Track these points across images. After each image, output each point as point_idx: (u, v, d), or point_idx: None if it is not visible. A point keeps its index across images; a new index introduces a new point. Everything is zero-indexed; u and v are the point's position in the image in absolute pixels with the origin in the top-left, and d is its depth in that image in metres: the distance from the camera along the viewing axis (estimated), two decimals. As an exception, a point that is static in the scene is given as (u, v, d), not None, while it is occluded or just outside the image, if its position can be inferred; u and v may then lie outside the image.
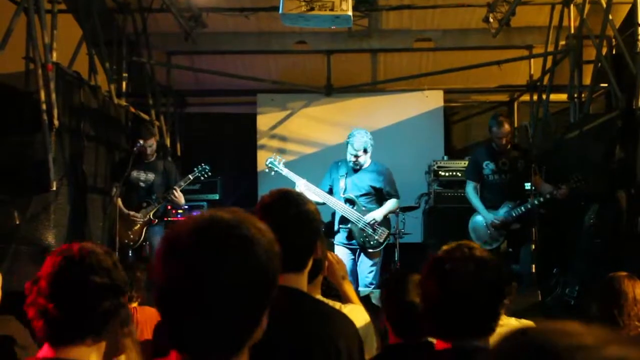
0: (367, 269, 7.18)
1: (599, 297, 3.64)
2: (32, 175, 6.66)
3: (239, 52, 10.31)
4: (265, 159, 7.63)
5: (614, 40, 7.98)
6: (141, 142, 7.24)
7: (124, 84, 8.98)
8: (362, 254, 7.21)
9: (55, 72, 6.82)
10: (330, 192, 7.26)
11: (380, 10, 9.37)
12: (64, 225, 6.88)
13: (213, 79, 10.36)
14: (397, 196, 7.28)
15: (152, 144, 7.49)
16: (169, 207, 7.75)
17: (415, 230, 8.71)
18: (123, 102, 8.75)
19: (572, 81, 8.47)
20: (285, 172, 7.29)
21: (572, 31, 8.49)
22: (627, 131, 6.76)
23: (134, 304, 4.66)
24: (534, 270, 7.05)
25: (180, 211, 8.07)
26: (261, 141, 10.43)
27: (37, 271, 2.06)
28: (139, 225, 7.36)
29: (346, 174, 7.20)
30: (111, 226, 7.41)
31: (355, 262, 7.24)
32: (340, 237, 7.25)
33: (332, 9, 6.83)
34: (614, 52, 8.19)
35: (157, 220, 7.48)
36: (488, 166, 7.24)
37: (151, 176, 7.50)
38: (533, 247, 7.10)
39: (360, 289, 7.02)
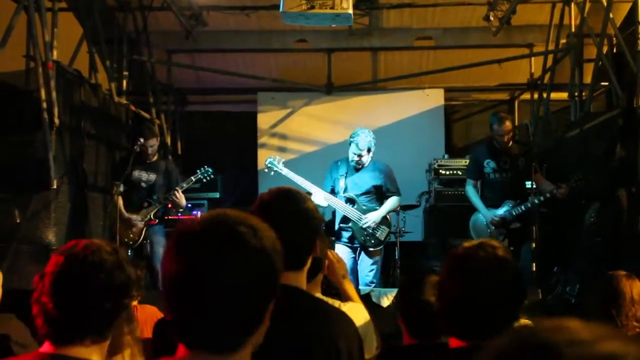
0: (367, 267, 7.18)
1: (597, 297, 3.63)
2: (32, 173, 6.66)
3: (240, 50, 10.31)
4: (265, 158, 7.62)
5: (614, 38, 7.98)
6: (141, 140, 7.23)
7: (124, 82, 8.97)
8: (362, 252, 7.21)
9: (55, 71, 6.83)
10: (332, 192, 7.26)
11: (380, 9, 9.37)
12: (65, 223, 6.88)
13: (214, 77, 10.37)
14: (398, 193, 7.27)
15: (153, 143, 7.48)
16: (169, 206, 7.75)
17: (415, 228, 8.71)
18: (123, 101, 8.75)
19: (572, 80, 8.46)
20: (285, 172, 7.29)
21: (573, 29, 8.48)
22: (628, 130, 6.76)
23: (134, 303, 4.66)
24: (534, 269, 7.05)
25: (180, 210, 8.08)
26: (262, 139, 10.43)
27: (37, 270, 2.06)
28: (139, 224, 7.36)
29: (346, 173, 7.19)
30: (111, 225, 7.41)
31: (355, 261, 7.24)
32: (341, 236, 7.24)
33: (332, 7, 6.83)
34: (614, 50, 8.19)
35: (157, 220, 7.48)
36: (489, 165, 7.24)
37: (153, 176, 7.48)
38: (533, 245, 7.09)
39: (360, 287, 7.02)
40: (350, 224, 7.12)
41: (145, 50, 9.42)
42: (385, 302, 6.70)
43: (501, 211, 7.10)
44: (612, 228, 6.87)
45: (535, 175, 7.14)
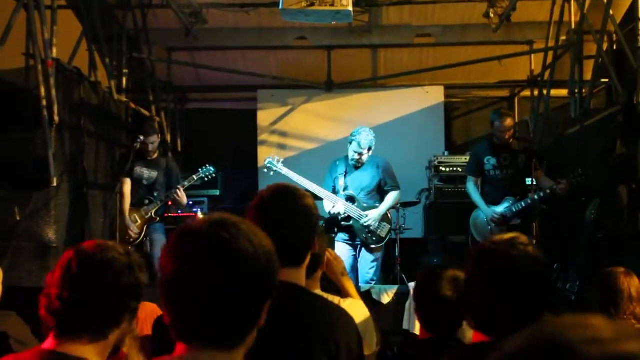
0: (368, 265, 7.19)
1: (596, 294, 3.62)
2: (32, 171, 6.66)
3: (240, 48, 10.30)
4: (265, 155, 7.64)
5: (614, 35, 7.97)
6: (141, 137, 7.22)
7: (124, 80, 8.96)
8: (363, 249, 7.22)
9: (55, 68, 6.82)
10: (333, 191, 7.26)
11: (380, 6, 9.36)
12: (65, 221, 6.89)
13: (213, 75, 10.36)
14: (397, 187, 7.27)
15: (154, 140, 7.47)
16: (170, 203, 7.75)
17: (415, 225, 8.71)
18: (123, 98, 8.74)
19: (572, 76, 8.45)
20: (284, 171, 7.28)
21: (573, 26, 8.47)
22: (628, 126, 6.75)
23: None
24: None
25: (181, 208, 8.08)
26: (262, 137, 10.42)
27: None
28: (140, 222, 7.36)
29: (345, 171, 7.20)
30: (112, 222, 7.41)
31: (356, 259, 7.24)
32: (341, 234, 7.25)
33: (332, 5, 6.83)
34: (614, 47, 8.18)
35: (158, 218, 7.48)
36: (489, 161, 7.23)
37: (154, 173, 7.49)
38: (534, 242, 7.08)
39: (360, 284, 7.03)
40: (351, 222, 7.12)
41: (145, 48, 9.42)
42: (386, 299, 6.71)
43: (501, 208, 7.10)
44: (612, 225, 6.87)
45: (536, 172, 7.15)
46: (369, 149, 7.06)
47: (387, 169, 7.27)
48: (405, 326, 6.56)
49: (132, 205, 7.35)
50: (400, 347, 6.59)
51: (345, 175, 7.19)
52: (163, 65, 10.21)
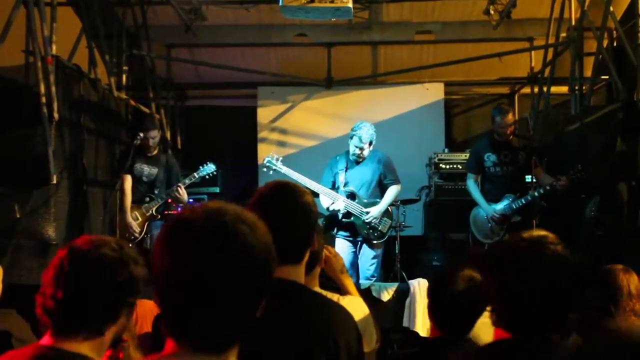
0: (368, 261, 7.20)
1: (595, 292, 3.62)
2: (32, 168, 6.65)
3: (239, 44, 10.29)
4: (265, 152, 7.66)
5: (615, 32, 7.96)
6: (141, 135, 7.22)
7: (124, 77, 8.94)
8: (363, 246, 7.23)
9: (55, 65, 6.81)
10: (332, 186, 7.26)
11: (380, 3, 9.35)
12: (64, 218, 6.88)
13: (213, 72, 10.35)
14: (397, 182, 7.27)
15: (155, 135, 7.46)
16: (169, 200, 7.74)
17: (415, 223, 8.70)
18: (123, 95, 8.73)
19: (572, 73, 8.44)
20: (284, 170, 7.28)
21: (573, 23, 8.46)
22: (628, 123, 6.75)
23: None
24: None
25: (181, 205, 8.07)
26: (261, 134, 10.42)
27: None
28: (140, 219, 7.36)
29: (346, 167, 7.20)
30: (111, 219, 7.41)
31: (356, 255, 7.25)
32: (341, 231, 7.25)
33: (332, 1, 6.82)
34: (615, 44, 8.16)
35: (159, 216, 7.48)
36: (489, 158, 7.23)
37: (154, 170, 7.47)
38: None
39: (361, 281, 7.04)
40: (352, 219, 7.13)
41: (144, 45, 9.40)
42: (386, 296, 6.71)
43: (501, 205, 7.09)
44: (612, 222, 6.87)
45: (536, 169, 7.15)
46: (370, 143, 7.06)
47: (387, 163, 7.27)
48: (405, 323, 6.57)
49: (132, 202, 7.34)
50: (400, 345, 6.61)
51: (346, 171, 7.19)
52: (163, 62, 10.20)
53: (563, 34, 8.81)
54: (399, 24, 9.94)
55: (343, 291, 3.34)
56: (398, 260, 7.56)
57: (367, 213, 7.07)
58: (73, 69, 7.46)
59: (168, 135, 9.90)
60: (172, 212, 8.28)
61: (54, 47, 6.93)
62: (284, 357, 2.16)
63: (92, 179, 7.66)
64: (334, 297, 2.97)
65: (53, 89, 6.68)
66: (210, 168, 7.54)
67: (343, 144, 7.49)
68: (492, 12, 8.77)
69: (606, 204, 7.01)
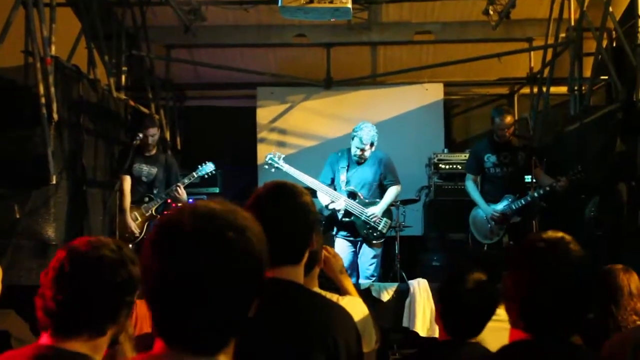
0: (368, 261, 7.20)
1: (596, 292, 3.62)
2: (31, 169, 6.64)
3: (239, 45, 10.29)
4: (265, 153, 7.64)
5: (614, 32, 7.97)
6: (140, 135, 7.22)
7: (123, 77, 8.94)
8: (363, 245, 7.23)
9: (54, 66, 6.80)
10: (332, 183, 7.26)
11: (380, 3, 9.35)
12: (64, 219, 6.87)
13: (212, 73, 10.35)
14: (397, 182, 7.28)
15: (154, 133, 7.45)
16: (169, 201, 7.73)
17: (415, 223, 8.70)
18: (122, 96, 8.73)
19: (572, 74, 8.44)
20: (285, 168, 7.28)
21: (573, 23, 8.46)
22: (628, 123, 6.75)
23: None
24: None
25: (180, 204, 8.06)
26: (261, 134, 10.42)
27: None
28: (140, 219, 7.36)
29: (347, 166, 7.20)
30: (111, 220, 7.40)
31: (356, 255, 7.25)
32: (341, 230, 7.25)
33: (331, 2, 6.83)
34: (614, 44, 8.17)
35: (159, 216, 7.47)
36: (489, 159, 7.23)
37: (154, 170, 7.47)
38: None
39: (361, 281, 7.04)
40: (352, 218, 7.13)
41: (143, 46, 9.39)
42: (386, 296, 6.71)
43: (501, 206, 7.09)
44: (612, 222, 6.87)
45: (535, 170, 7.15)
46: (372, 144, 7.06)
47: (388, 164, 7.27)
48: (405, 324, 6.57)
49: (132, 202, 7.33)
50: (400, 345, 6.61)
51: (348, 170, 7.19)
52: (162, 62, 10.19)
53: (562, 35, 8.82)
54: (398, 24, 9.95)
55: (342, 291, 3.33)
56: (398, 260, 7.56)
57: (368, 212, 7.07)
58: (72, 69, 7.45)
59: (167, 135, 9.89)
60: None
61: (53, 48, 6.93)
62: (284, 357, 2.16)
63: (91, 179, 7.65)
64: (333, 297, 2.97)
65: (52, 89, 6.67)
66: (208, 167, 7.54)
67: (342, 145, 7.49)
68: (491, 12, 8.77)
69: (606, 204, 7.02)
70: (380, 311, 6.54)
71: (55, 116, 6.70)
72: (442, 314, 2.90)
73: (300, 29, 9.90)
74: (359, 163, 7.19)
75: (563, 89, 8.96)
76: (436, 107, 10.44)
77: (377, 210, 7.10)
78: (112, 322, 2.05)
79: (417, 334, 6.48)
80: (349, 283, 3.40)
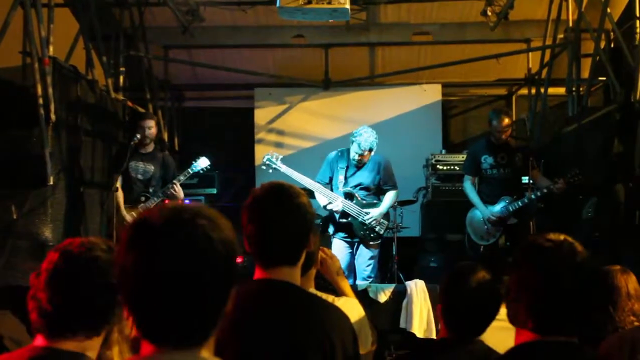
0: (365, 262, 7.19)
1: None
2: (29, 169, 6.65)
3: (237, 46, 10.28)
4: (263, 154, 7.62)
5: (612, 33, 7.96)
6: (138, 136, 7.20)
7: (121, 78, 8.93)
8: (360, 246, 7.22)
9: (52, 66, 6.80)
10: (330, 181, 7.26)
11: (378, 4, 9.36)
12: (61, 220, 6.87)
13: (210, 73, 10.34)
14: (395, 187, 7.28)
15: (151, 125, 7.38)
16: (167, 202, 7.70)
17: (413, 224, 8.69)
18: (120, 97, 8.72)
19: (570, 74, 8.44)
20: (283, 169, 7.26)
21: (571, 24, 8.47)
22: (625, 124, 6.76)
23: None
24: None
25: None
26: (259, 135, 10.42)
27: (34, 266, 2.08)
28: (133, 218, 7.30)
29: (347, 167, 7.19)
30: (108, 220, 7.39)
31: (353, 256, 7.24)
32: (338, 232, 7.24)
33: (329, 2, 6.82)
34: (612, 45, 8.17)
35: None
36: (486, 160, 7.23)
37: (150, 167, 7.39)
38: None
39: (358, 282, 7.03)
40: (349, 219, 7.12)
41: (141, 46, 9.39)
42: (383, 297, 6.70)
43: (498, 207, 7.09)
44: (609, 223, 6.87)
45: (533, 171, 7.14)
46: (370, 150, 7.04)
47: (386, 168, 7.26)
48: (402, 325, 6.57)
49: (128, 202, 7.27)
50: (397, 346, 6.60)
51: (347, 171, 7.19)
52: (160, 63, 10.19)
53: (560, 36, 8.82)
54: (397, 25, 9.95)
55: (339, 292, 3.33)
56: (395, 262, 7.56)
57: (366, 214, 7.06)
58: (70, 70, 7.45)
59: (165, 136, 9.88)
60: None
61: (51, 48, 6.92)
62: (280, 358, 2.16)
63: (89, 180, 7.65)
64: (329, 298, 2.97)
65: (50, 90, 6.67)
66: (203, 162, 7.39)
67: (340, 145, 7.48)
68: (489, 13, 8.77)
69: (603, 206, 7.02)
70: (377, 312, 6.54)
71: (53, 117, 6.70)
72: (446, 312, 2.87)
73: (298, 30, 9.90)
74: (357, 167, 7.18)
75: (561, 90, 8.96)
76: (434, 107, 10.44)
77: (375, 213, 7.09)
78: (106, 321, 2.06)
79: (414, 335, 6.48)
80: (345, 284, 3.39)
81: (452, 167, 9.07)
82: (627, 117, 6.74)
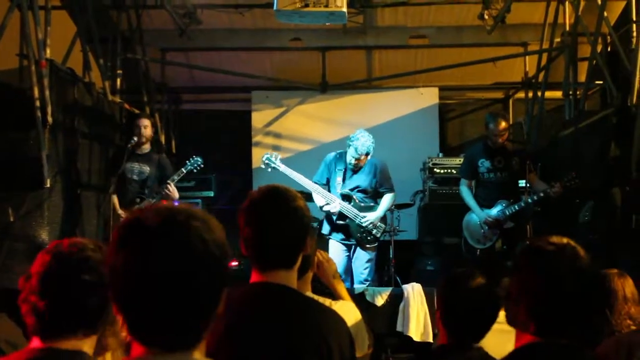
0: (362, 265, 7.19)
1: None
2: (26, 172, 6.65)
3: (234, 49, 10.28)
4: (260, 156, 7.61)
5: (608, 37, 7.98)
6: (135, 139, 7.19)
7: (118, 80, 8.94)
8: (357, 249, 7.21)
9: (49, 69, 6.80)
10: (327, 183, 7.26)
11: (375, 7, 9.36)
12: (58, 222, 6.86)
13: (208, 76, 10.35)
14: (392, 190, 7.28)
15: (146, 124, 7.35)
16: (163, 202, 7.66)
17: (410, 227, 8.70)
18: (117, 99, 8.72)
19: (567, 78, 8.46)
20: (282, 168, 7.27)
21: (567, 28, 8.49)
22: (622, 128, 6.76)
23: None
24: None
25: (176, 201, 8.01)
26: (256, 138, 10.42)
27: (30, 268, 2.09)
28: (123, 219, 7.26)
29: (345, 169, 7.20)
30: (105, 223, 7.38)
31: (350, 259, 7.24)
32: (335, 234, 7.24)
33: (326, 6, 6.82)
34: (608, 49, 8.19)
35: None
36: (483, 164, 7.22)
37: (145, 168, 7.36)
38: (527, 243, 7.07)
39: (355, 285, 7.03)
40: (346, 221, 7.12)
41: (139, 49, 9.39)
42: (380, 301, 6.70)
43: (494, 211, 7.09)
44: (606, 227, 6.87)
45: (529, 175, 7.15)
46: (367, 154, 7.04)
47: (383, 171, 7.26)
48: (398, 328, 6.57)
49: (124, 204, 7.24)
50: (394, 350, 6.60)
51: (344, 173, 7.19)
52: (157, 66, 10.19)
53: (557, 39, 8.84)
54: (394, 28, 9.96)
55: (335, 296, 3.33)
56: (392, 265, 7.55)
57: (364, 217, 7.06)
58: (67, 72, 7.45)
59: (162, 139, 9.88)
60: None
61: (48, 51, 6.93)
62: (277, 361, 2.16)
63: (85, 182, 7.64)
64: (326, 301, 2.97)
65: (47, 92, 6.67)
66: (196, 161, 7.37)
67: (338, 149, 7.48)
68: (486, 17, 8.79)
69: (600, 209, 7.02)
70: (374, 315, 6.54)
71: (49, 119, 6.70)
72: (445, 318, 2.86)
73: (295, 33, 9.91)
74: (354, 171, 7.18)
75: (558, 94, 8.98)
76: (431, 111, 10.44)
77: (372, 217, 7.09)
78: (102, 320, 2.08)
79: (411, 338, 6.48)
80: (341, 287, 3.39)
81: (449, 171, 9.07)
82: (623, 121, 6.75)
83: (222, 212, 8.45)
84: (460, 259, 7.41)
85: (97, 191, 7.82)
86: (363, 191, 7.20)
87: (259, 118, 10.48)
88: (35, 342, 2.02)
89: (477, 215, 7.19)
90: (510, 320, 2.25)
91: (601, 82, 7.84)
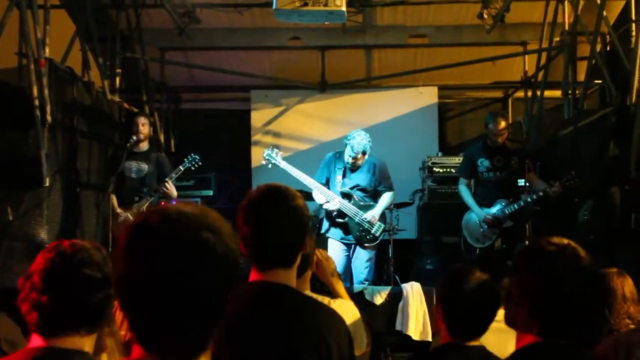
0: (362, 264, 7.19)
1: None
2: (25, 171, 6.64)
3: (233, 48, 10.28)
4: (259, 155, 7.62)
5: (608, 36, 7.98)
6: (134, 138, 7.19)
7: (117, 79, 8.93)
8: (357, 248, 7.22)
9: (48, 68, 6.80)
10: (327, 182, 7.26)
11: (374, 6, 9.36)
12: (57, 221, 6.86)
13: (207, 75, 10.34)
14: (391, 189, 7.29)
15: (144, 122, 7.37)
16: (163, 203, 7.67)
17: (409, 226, 8.69)
18: (116, 98, 8.72)
19: (566, 77, 8.46)
20: (283, 164, 7.28)
21: (567, 28, 8.49)
22: (621, 127, 6.76)
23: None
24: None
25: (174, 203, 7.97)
26: (255, 137, 10.41)
27: (30, 267, 2.09)
28: (132, 219, 7.26)
29: (344, 168, 7.20)
30: (104, 222, 7.37)
31: (349, 258, 7.24)
32: (335, 232, 7.24)
33: (326, 5, 6.82)
34: (608, 48, 8.19)
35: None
36: (482, 163, 7.22)
37: (144, 166, 7.36)
38: (527, 243, 7.08)
39: (355, 285, 7.03)
40: (346, 220, 7.12)
41: (138, 48, 9.39)
42: (379, 300, 6.71)
43: (494, 210, 7.09)
44: (605, 226, 6.87)
45: (529, 174, 7.15)
46: (364, 153, 7.04)
47: (382, 170, 7.27)
48: (397, 327, 6.57)
49: (123, 203, 7.25)
50: (393, 349, 6.60)
51: (344, 172, 7.19)
52: (156, 65, 10.18)
53: (556, 39, 8.84)
54: (393, 27, 9.95)
55: (334, 294, 3.33)
56: (392, 264, 7.56)
57: (363, 215, 7.07)
58: (66, 71, 7.44)
59: (162, 138, 9.88)
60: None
61: (47, 50, 6.93)
62: (276, 360, 2.16)
63: (84, 182, 7.64)
64: (325, 300, 2.97)
65: (46, 91, 6.67)
66: (194, 159, 7.35)
67: (337, 148, 7.48)
68: (485, 16, 8.77)
69: (599, 208, 7.02)
70: (373, 314, 6.54)
71: (49, 118, 6.69)
72: (445, 316, 2.84)
73: (294, 32, 9.90)
74: (352, 170, 7.19)
75: (557, 93, 8.97)
76: (430, 110, 10.44)
77: (370, 216, 7.09)
78: (102, 318, 2.10)
79: (410, 337, 6.48)
80: (340, 286, 3.40)
81: (448, 170, 9.06)
82: (622, 120, 6.75)
83: (221, 211, 8.34)
84: (459, 258, 7.41)
85: (96, 190, 7.81)
86: (363, 190, 7.20)
87: (258, 117, 10.47)
88: (36, 341, 2.02)
89: (476, 214, 7.19)
90: (509, 321, 2.25)
91: (600, 81, 7.84)
